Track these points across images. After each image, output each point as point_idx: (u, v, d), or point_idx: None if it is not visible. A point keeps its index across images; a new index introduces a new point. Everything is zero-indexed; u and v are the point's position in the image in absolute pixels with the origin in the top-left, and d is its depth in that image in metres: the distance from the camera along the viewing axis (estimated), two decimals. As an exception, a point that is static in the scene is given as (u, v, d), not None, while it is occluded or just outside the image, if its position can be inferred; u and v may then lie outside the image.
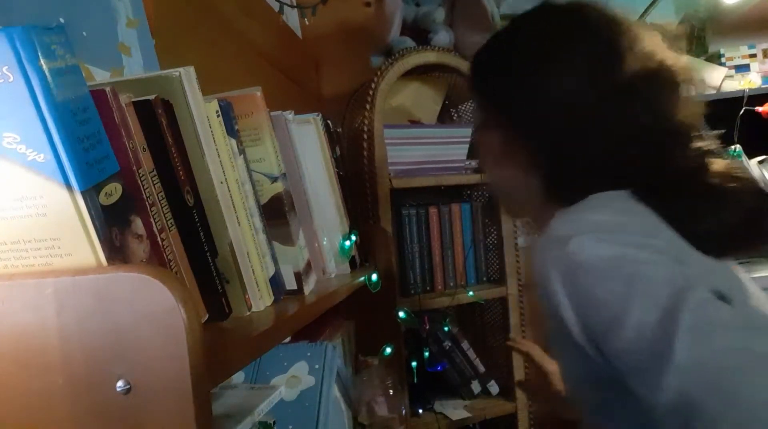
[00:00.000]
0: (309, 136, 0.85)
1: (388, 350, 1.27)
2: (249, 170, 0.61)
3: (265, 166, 0.67)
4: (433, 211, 1.61)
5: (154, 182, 0.46)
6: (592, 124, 0.62)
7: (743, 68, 1.82)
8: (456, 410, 1.56)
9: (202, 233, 0.51)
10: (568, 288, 0.53)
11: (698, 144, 0.61)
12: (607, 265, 0.51)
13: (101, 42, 0.68)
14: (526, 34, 0.69)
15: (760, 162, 1.68)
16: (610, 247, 0.52)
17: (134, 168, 0.44)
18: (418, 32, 1.57)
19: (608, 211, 0.58)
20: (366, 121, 1.47)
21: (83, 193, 0.36)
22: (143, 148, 0.46)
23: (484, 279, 1.68)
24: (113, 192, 0.39)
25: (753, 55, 1.82)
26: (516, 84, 0.67)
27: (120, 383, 0.34)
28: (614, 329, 0.49)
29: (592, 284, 0.51)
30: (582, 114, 0.62)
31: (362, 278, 0.93)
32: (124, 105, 0.44)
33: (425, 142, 1.55)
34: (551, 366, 0.96)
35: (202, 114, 0.52)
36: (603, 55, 0.62)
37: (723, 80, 1.79)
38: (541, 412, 1.04)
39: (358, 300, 0.96)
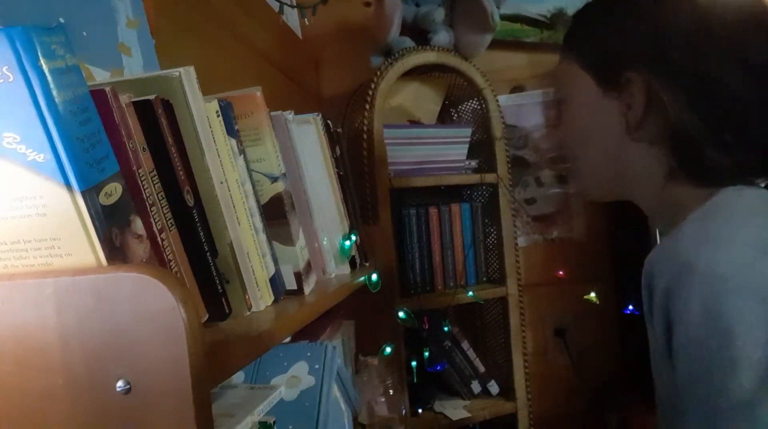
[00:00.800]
0: (309, 136, 0.85)
1: (388, 350, 1.27)
2: (249, 170, 0.61)
3: (265, 166, 0.67)
4: (433, 211, 1.61)
5: (154, 182, 0.46)
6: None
7: None
8: (456, 410, 1.56)
9: (202, 233, 0.51)
10: (669, 308, 0.50)
11: None
12: (721, 325, 0.47)
13: (101, 42, 0.68)
14: None
15: None
16: (736, 300, 0.47)
17: (134, 168, 0.43)
18: (418, 32, 1.57)
19: (752, 232, 0.51)
20: (366, 121, 1.47)
21: (83, 193, 0.36)
22: (143, 148, 0.46)
23: (484, 279, 1.68)
24: (113, 192, 0.39)
25: None
26: (685, 36, 0.59)
27: (120, 383, 0.34)
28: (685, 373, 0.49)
29: (695, 326, 0.48)
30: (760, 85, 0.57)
31: (362, 278, 0.93)
32: (124, 105, 0.44)
33: (425, 142, 1.55)
34: None
35: (202, 114, 0.52)
36: None
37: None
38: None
39: (358, 300, 0.96)
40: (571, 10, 1.87)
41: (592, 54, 0.67)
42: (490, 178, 1.61)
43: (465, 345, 1.67)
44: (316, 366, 0.88)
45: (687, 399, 0.50)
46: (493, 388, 1.66)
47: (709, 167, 0.58)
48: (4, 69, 0.34)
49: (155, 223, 0.45)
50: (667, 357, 0.52)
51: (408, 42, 1.54)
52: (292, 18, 1.68)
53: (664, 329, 0.51)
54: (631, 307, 1.73)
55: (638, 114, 0.61)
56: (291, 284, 0.67)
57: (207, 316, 0.50)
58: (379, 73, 1.49)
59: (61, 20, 0.61)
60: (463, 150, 1.60)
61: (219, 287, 0.51)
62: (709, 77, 0.58)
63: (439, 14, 1.54)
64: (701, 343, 0.47)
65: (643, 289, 0.55)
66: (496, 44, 1.64)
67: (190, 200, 0.50)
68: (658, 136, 0.61)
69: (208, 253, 0.51)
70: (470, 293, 1.55)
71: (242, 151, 0.60)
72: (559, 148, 0.75)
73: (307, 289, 0.69)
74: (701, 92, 0.58)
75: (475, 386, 1.64)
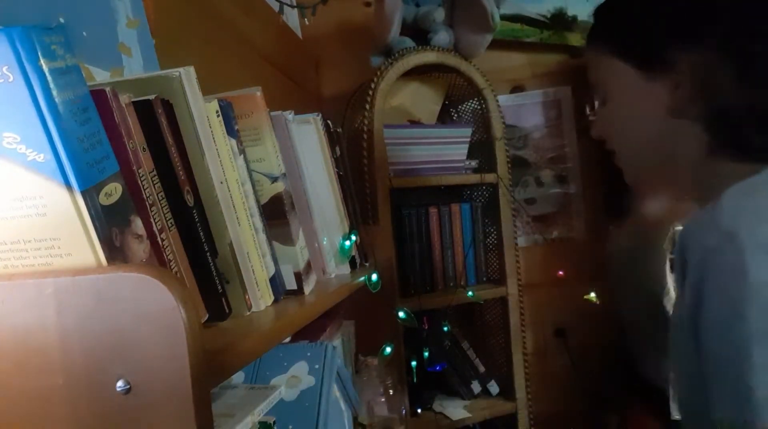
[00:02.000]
0: (309, 136, 0.85)
1: (388, 350, 1.27)
2: (249, 170, 0.61)
3: (265, 166, 0.67)
4: (433, 211, 1.61)
5: (154, 182, 0.46)
6: None
7: None
8: (456, 410, 1.56)
9: (202, 233, 0.51)
10: (704, 277, 0.49)
11: None
12: (763, 295, 0.46)
13: (101, 42, 0.68)
14: None
15: None
16: None
17: (134, 168, 0.43)
18: (418, 32, 1.57)
19: None
20: (366, 121, 1.47)
21: (83, 193, 0.36)
22: (143, 148, 0.46)
23: (484, 279, 1.68)
24: (113, 192, 0.39)
25: None
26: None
27: (120, 383, 0.34)
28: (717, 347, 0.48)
29: (735, 296, 0.47)
30: None
31: (362, 278, 0.93)
32: (124, 105, 0.44)
33: (425, 142, 1.55)
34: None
35: (202, 114, 0.52)
36: None
37: None
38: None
39: (358, 300, 0.96)
40: (571, 10, 1.87)
41: (629, 40, 0.66)
42: (490, 178, 1.61)
43: (465, 345, 1.67)
44: (316, 366, 0.88)
45: (713, 369, 0.49)
46: (493, 388, 1.66)
47: (753, 144, 0.57)
48: (4, 69, 0.34)
49: (155, 223, 0.45)
50: (690, 329, 0.51)
51: (408, 42, 1.54)
52: (292, 18, 1.68)
53: (695, 301, 0.50)
54: (631, 307, 1.72)
55: (686, 92, 0.60)
56: (291, 284, 0.67)
57: (207, 316, 0.50)
58: (379, 73, 1.49)
59: (61, 20, 0.61)
60: (463, 150, 1.60)
61: (219, 287, 0.51)
62: (756, 51, 0.56)
63: (439, 14, 1.54)
64: (739, 315, 0.46)
65: (676, 256, 0.54)
66: (496, 44, 1.64)
67: (190, 200, 0.50)
68: (700, 114, 0.60)
69: (208, 253, 0.51)
70: (470, 293, 1.55)
71: (242, 151, 0.60)
72: (599, 140, 0.73)
73: (307, 289, 0.69)
74: (747, 67, 0.57)
75: (475, 386, 1.64)
